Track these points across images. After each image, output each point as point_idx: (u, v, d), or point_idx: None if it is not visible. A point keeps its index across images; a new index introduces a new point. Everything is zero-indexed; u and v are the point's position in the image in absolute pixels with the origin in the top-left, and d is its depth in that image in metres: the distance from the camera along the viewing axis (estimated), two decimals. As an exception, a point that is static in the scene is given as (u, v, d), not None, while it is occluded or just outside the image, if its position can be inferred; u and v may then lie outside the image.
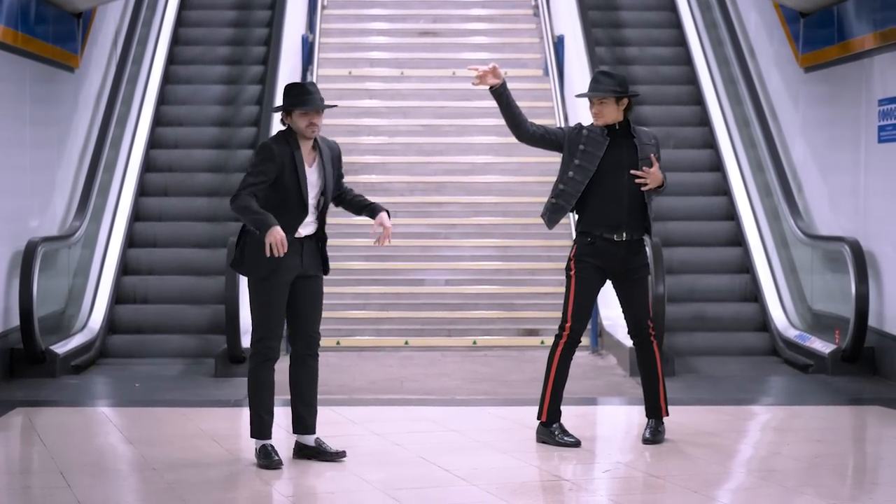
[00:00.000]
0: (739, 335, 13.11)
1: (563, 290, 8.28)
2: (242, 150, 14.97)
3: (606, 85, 8.52)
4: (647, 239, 8.67)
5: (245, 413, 8.23)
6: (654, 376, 8.69)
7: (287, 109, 7.97)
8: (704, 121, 15.51)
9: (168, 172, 14.92)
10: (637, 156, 8.50)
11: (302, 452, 8.13)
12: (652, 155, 8.50)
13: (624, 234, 8.50)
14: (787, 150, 13.97)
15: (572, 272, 8.60)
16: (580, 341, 8.71)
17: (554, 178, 8.69)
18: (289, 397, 8.18)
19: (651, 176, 8.44)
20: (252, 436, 8.01)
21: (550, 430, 8.57)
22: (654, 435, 8.64)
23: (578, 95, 8.86)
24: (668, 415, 8.73)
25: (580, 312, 8.60)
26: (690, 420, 9.41)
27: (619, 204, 8.48)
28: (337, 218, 8.34)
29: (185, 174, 14.84)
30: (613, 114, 8.53)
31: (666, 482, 7.61)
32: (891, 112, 11.68)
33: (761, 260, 13.65)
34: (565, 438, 8.53)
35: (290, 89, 8.03)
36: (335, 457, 8.09)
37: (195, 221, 14.24)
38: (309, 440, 8.13)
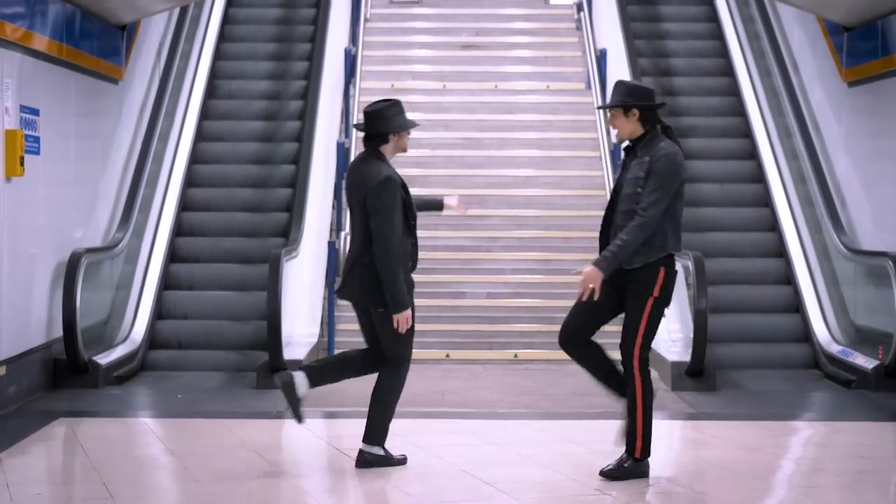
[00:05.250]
0: (784, 361, 12.98)
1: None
2: (285, 165, 15.03)
3: (614, 95, 7.80)
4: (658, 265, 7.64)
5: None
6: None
7: (403, 129, 7.92)
8: (747, 136, 15.44)
9: (214, 165, 15.19)
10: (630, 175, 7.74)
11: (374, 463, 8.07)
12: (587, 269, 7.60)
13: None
14: (831, 164, 13.90)
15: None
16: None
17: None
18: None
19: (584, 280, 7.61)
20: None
21: None
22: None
23: (599, 107, 8.06)
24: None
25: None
26: (733, 435, 9.38)
27: (606, 228, 7.81)
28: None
29: (229, 169, 15.11)
30: (624, 127, 7.73)
31: (707, 497, 7.58)
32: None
33: (805, 277, 13.55)
34: None
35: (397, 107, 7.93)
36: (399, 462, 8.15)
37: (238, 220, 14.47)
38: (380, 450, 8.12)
